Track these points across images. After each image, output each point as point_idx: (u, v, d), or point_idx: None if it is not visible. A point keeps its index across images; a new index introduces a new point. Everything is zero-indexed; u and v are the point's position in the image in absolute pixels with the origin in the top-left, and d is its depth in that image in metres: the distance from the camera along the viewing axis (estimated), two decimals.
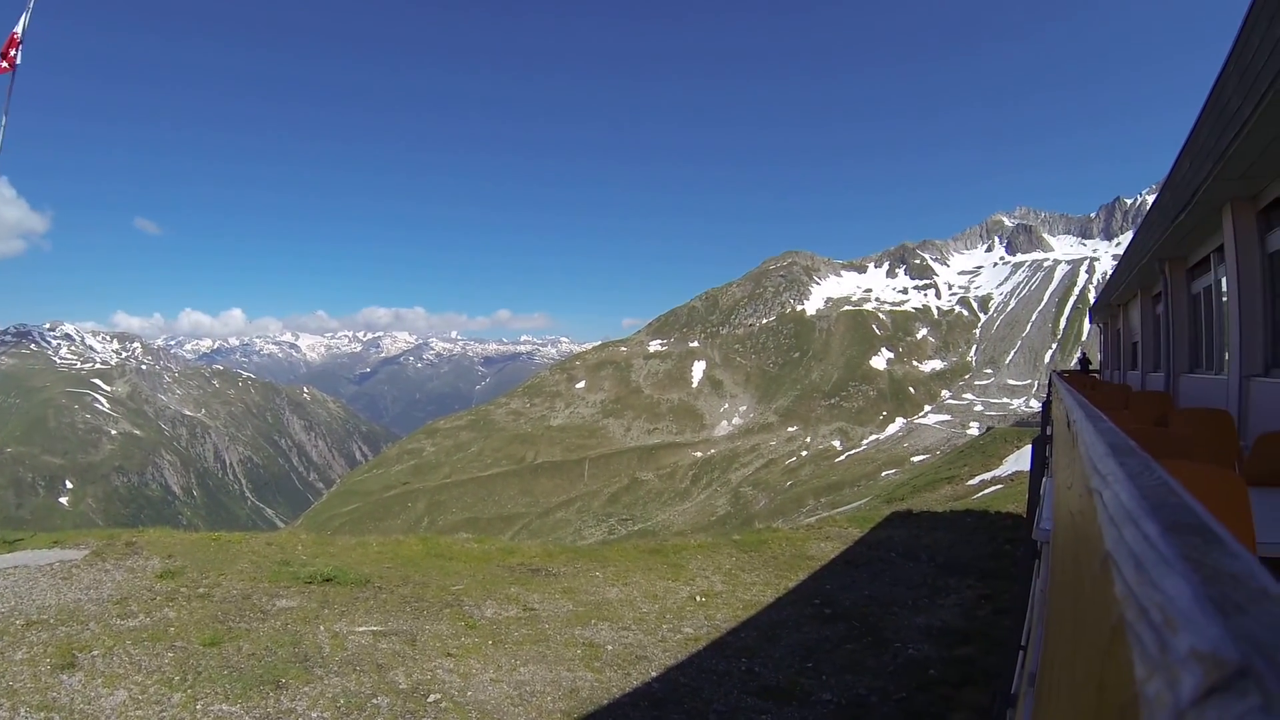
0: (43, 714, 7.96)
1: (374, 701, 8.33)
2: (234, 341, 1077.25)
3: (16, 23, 18.27)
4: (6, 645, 10.09)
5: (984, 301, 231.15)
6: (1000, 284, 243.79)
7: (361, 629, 10.75)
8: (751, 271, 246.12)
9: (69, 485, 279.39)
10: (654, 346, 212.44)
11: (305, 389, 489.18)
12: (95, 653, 9.72)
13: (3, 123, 18.29)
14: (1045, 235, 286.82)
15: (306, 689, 8.58)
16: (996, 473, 46.31)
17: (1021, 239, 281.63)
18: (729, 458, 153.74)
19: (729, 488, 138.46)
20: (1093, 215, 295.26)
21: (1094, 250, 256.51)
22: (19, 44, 18.09)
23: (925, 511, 23.02)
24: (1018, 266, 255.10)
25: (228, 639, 10.23)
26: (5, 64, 17.99)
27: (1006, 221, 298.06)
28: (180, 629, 10.72)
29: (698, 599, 12.57)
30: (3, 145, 18.34)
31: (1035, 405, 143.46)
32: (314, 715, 7.98)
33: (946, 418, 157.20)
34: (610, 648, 10.20)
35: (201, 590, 12.76)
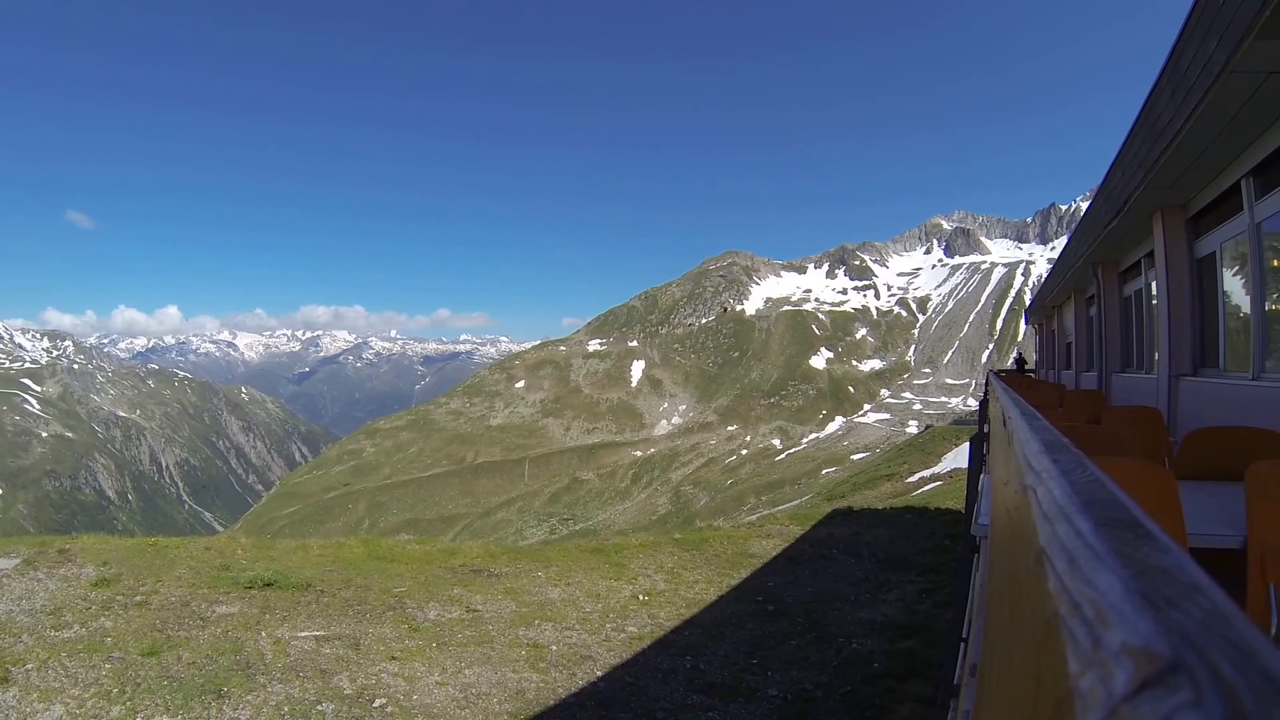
0: None
1: (319, 708, 8.26)
2: (170, 340, 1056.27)
3: None
4: None
5: (922, 302, 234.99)
6: (939, 285, 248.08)
7: (304, 634, 10.65)
8: (691, 271, 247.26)
9: None
10: (593, 346, 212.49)
11: (243, 389, 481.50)
12: (29, 666, 9.48)
13: None
14: (983, 239, 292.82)
15: (249, 697, 8.48)
16: (935, 470, 47.07)
17: (960, 242, 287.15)
18: (669, 457, 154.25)
19: (669, 487, 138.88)
20: (1029, 220, 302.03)
21: (1030, 254, 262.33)
22: None
23: (866, 509, 23.35)
24: (956, 269, 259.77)
25: (167, 648, 10.05)
26: None
27: (945, 225, 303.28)
28: (118, 639, 10.51)
29: (641, 598, 12.62)
30: None
31: (973, 404, 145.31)
32: None
33: (886, 416, 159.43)
34: (555, 648, 10.21)
35: (139, 598, 12.50)
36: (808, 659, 10.23)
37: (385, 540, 17.62)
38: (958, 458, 45.93)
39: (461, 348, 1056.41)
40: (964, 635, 5.56)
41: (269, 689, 8.72)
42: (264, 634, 10.68)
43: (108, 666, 9.45)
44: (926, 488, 38.59)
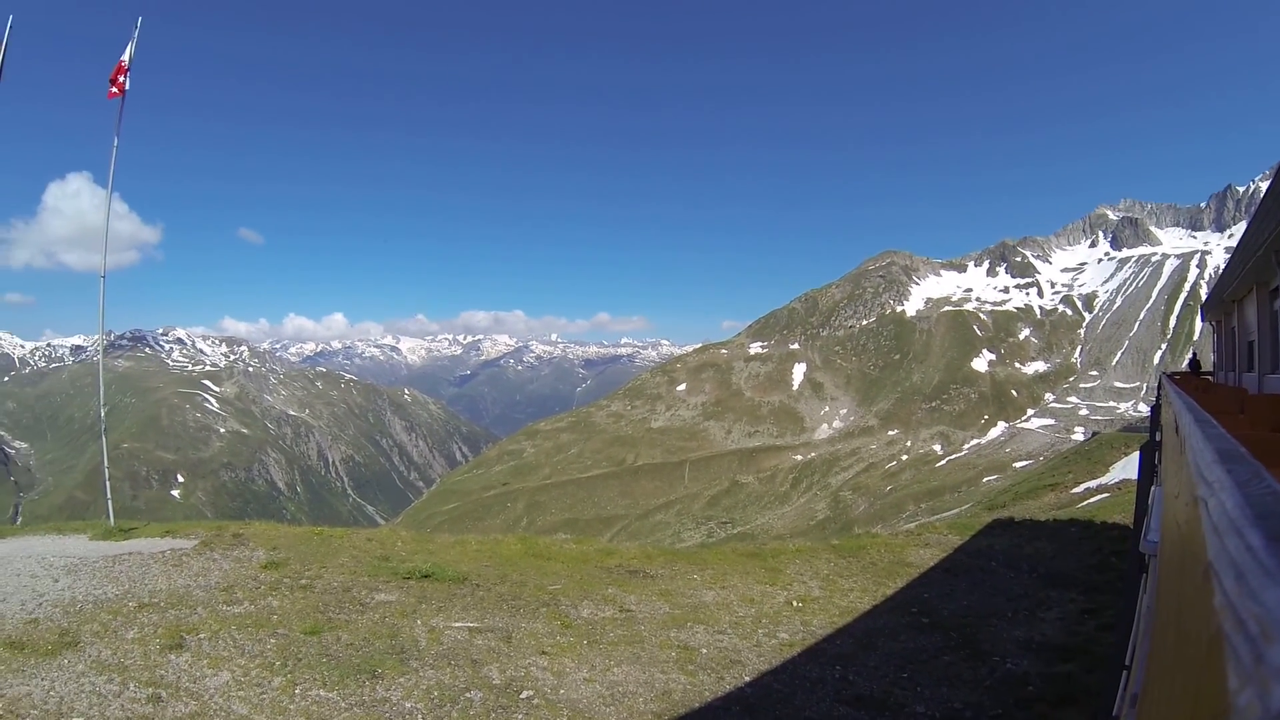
0: (150, 689, 8.42)
1: (467, 695, 8.55)
2: (336, 345, 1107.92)
3: (124, 51, 19.47)
4: (120, 625, 10.75)
5: (1089, 300, 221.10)
6: (1105, 281, 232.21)
7: (458, 624, 11.02)
8: (850, 272, 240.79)
9: (180, 479, 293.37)
10: (754, 349, 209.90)
11: (406, 391, 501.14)
12: (202, 636, 10.26)
13: (115, 144, 19.62)
14: (1153, 228, 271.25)
15: (402, 680, 8.86)
16: (1103, 480, 44.85)
17: (1127, 233, 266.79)
18: (829, 461, 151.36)
19: (829, 492, 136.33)
20: (1203, 205, 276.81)
21: (1205, 243, 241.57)
22: (126, 71, 19.30)
23: (1028, 520, 22.36)
24: (1124, 262, 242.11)
25: (327, 629, 10.63)
26: (115, 90, 19.24)
27: (1111, 215, 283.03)
28: (283, 617, 11.22)
29: (794, 604, 12.50)
30: (115, 165, 19.75)
31: (1144, 409, 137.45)
32: (407, 705, 8.24)
33: (1050, 422, 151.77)
34: (705, 651, 10.23)
35: (304, 581, 13.29)
36: (960, 677, 9.92)
37: (543, 539, 18.01)
38: (1127, 468, 43.70)
39: (622, 351, 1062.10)
40: (1127, 662, 5.31)
41: (421, 674, 9.08)
42: (419, 622, 11.12)
43: (272, 641, 10.08)
44: (1092, 499, 36.83)
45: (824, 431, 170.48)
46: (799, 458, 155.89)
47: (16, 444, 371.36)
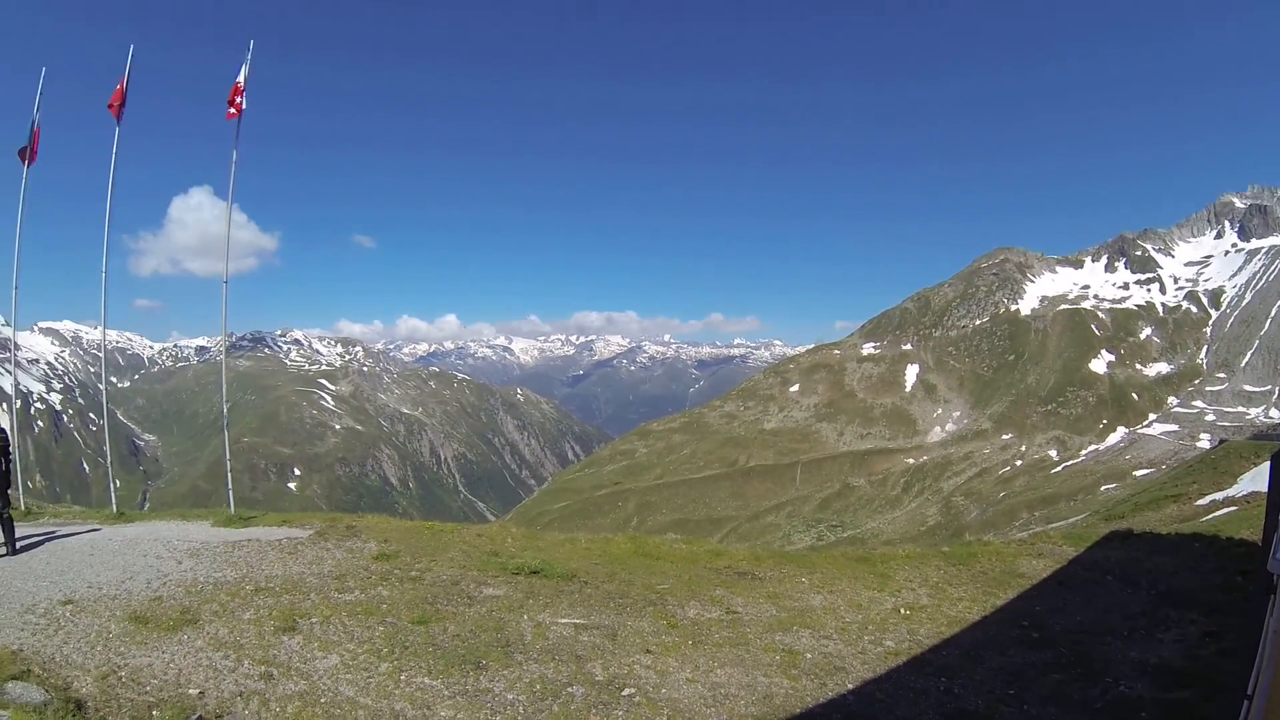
0: (263, 667, 8.86)
1: (569, 690, 8.68)
2: (449, 345, 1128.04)
3: (238, 74, 20.84)
4: (237, 606, 11.34)
5: (1215, 296, 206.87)
6: (1233, 275, 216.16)
7: (564, 620, 11.19)
8: (963, 270, 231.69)
9: (297, 472, 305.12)
10: (867, 349, 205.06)
11: (519, 390, 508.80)
12: (314, 620, 10.72)
13: (234, 159, 21.24)
14: None
15: (506, 672, 9.06)
16: (1229, 492, 42.64)
17: (1256, 222, 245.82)
18: (941, 465, 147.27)
19: (940, 496, 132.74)
20: None
21: None
22: (242, 91, 20.67)
23: (1147, 532, 21.23)
24: (1253, 254, 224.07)
25: (435, 619, 10.93)
26: (233, 110, 20.72)
27: (1238, 203, 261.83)
28: (392, 606, 11.58)
29: (902, 611, 12.25)
30: (235, 179, 21.42)
31: (1276, 415, 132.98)
32: (509, 697, 8.42)
33: (1173, 428, 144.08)
34: (809, 656, 10.13)
35: (414, 573, 13.69)
36: (1069, 697, 9.52)
37: (652, 538, 18.10)
38: (1256, 479, 41.34)
39: (735, 351, 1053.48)
40: (1249, 691, 5.08)
41: (525, 667, 9.26)
42: (526, 617, 11.32)
43: (381, 629, 10.43)
44: (1218, 513, 35.14)
45: (936, 434, 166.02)
46: (911, 461, 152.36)
47: (146, 436, 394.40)
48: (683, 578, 13.86)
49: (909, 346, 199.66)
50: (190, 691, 8.14)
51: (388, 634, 10.22)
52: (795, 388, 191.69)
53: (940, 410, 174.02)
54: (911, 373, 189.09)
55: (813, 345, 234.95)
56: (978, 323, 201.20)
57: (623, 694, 8.73)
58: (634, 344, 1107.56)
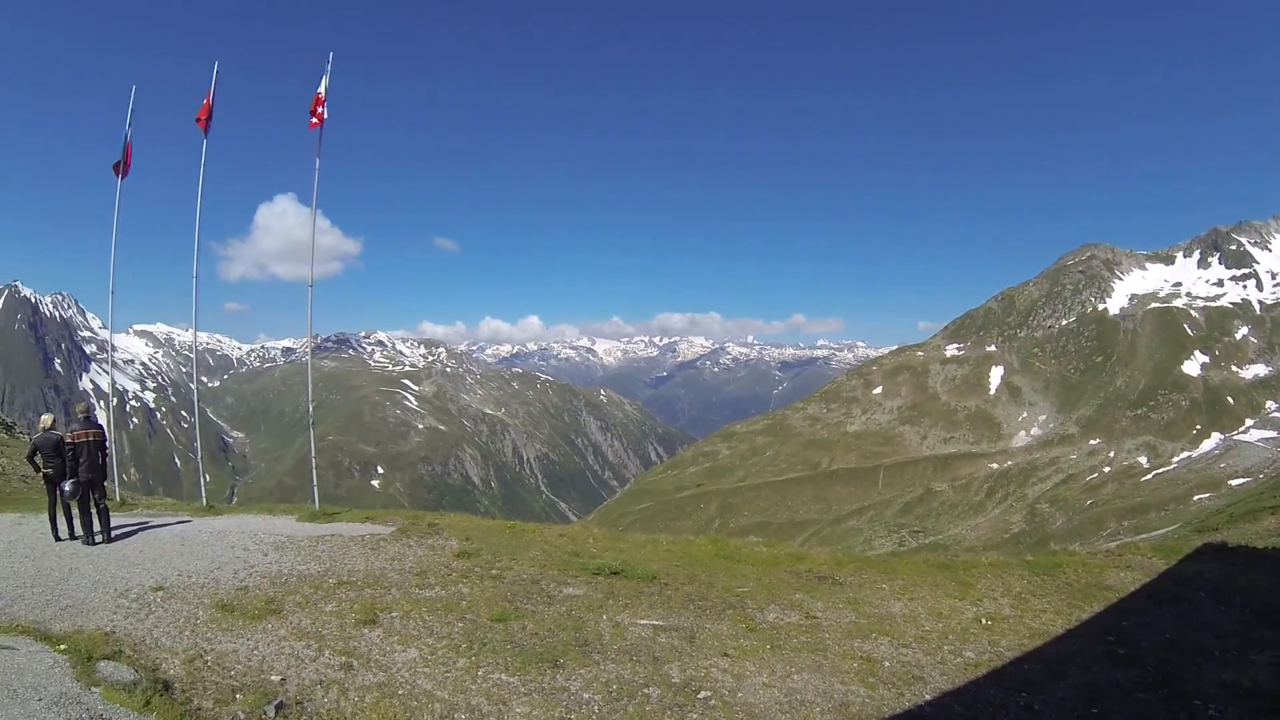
0: (343, 658, 9.15)
1: (645, 691, 8.70)
2: (532, 347, 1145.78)
3: (319, 85, 21.86)
4: (319, 598, 11.75)
5: None
6: None
7: (643, 622, 11.23)
8: (1048, 268, 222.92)
9: (380, 470, 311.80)
10: (950, 351, 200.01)
11: (602, 392, 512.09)
12: (394, 614, 11.01)
13: (317, 168, 22.25)
14: None
15: (582, 671, 9.13)
16: None
17: None
18: (1026, 471, 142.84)
19: (1025, 503, 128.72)
20: None
21: None
22: (324, 102, 21.64)
23: (1243, 546, 20.14)
24: None
25: (514, 617, 11.08)
26: (315, 120, 21.64)
27: None
28: (472, 603, 11.79)
29: (983, 621, 11.94)
30: (318, 186, 22.39)
31: None
32: (585, 696, 8.48)
33: (1272, 434, 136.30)
34: (887, 664, 9.97)
35: (494, 571, 13.91)
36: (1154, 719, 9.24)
37: (733, 541, 18.06)
38: None
39: (818, 353, 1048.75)
40: None
41: (602, 666, 9.32)
42: (605, 617, 11.40)
43: (460, 625, 10.63)
44: None
45: (1021, 439, 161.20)
46: (995, 466, 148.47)
47: (234, 434, 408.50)
48: (763, 581, 13.79)
49: (993, 348, 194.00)
50: (272, 678, 8.46)
51: (467, 630, 10.42)
52: (878, 390, 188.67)
53: (1025, 414, 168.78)
54: (996, 375, 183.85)
55: (895, 347, 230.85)
56: (1064, 323, 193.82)
57: (698, 697, 8.72)
58: (717, 345, 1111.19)
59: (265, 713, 7.46)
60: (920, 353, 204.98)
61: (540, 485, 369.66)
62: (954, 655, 10.32)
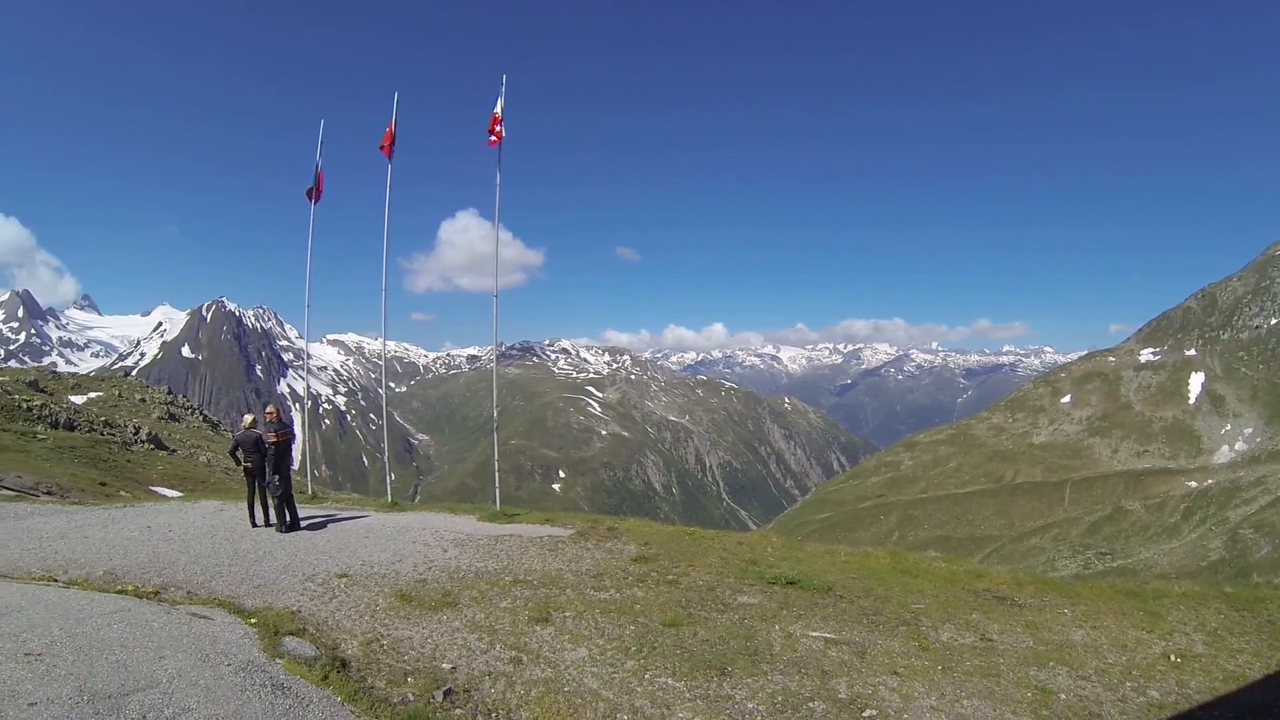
0: (513, 652, 9.55)
1: (810, 705, 8.67)
2: (716, 354, 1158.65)
3: (495, 105, 23.17)
4: (495, 594, 12.33)
5: None
6: None
7: (815, 634, 11.20)
8: (1254, 260, 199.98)
9: (561, 475, 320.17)
10: (1145, 356, 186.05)
11: (786, 399, 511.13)
12: (567, 614, 11.40)
13: (498, 183, 23.79)
14: None
15: (749, 680, 9.19)
16: None
17: None
18: (1229, 491, 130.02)
19: (1226, 528, 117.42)
20: None
21: None
22: (501, 121, 23.02)
23: None
24: None
25: (686, 623, 11.27)
26: (494, 138, 23.10)
27: None
28: (645, 608, 12.06)
29: (1172, 658, 11.14)
30: (500, 201, 23.96)
31: None
32: (749, 706, 8.54)
33: None
34: (1063, 697, 9.44)
35: (670, 577, 14.17)
36: None
37: (912, 554, 17.74)
38: None
39: (1004, 359, 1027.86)
40: None
41: (769, 677, 9.36)
42: (777, 627, 11.44)
43: (631, 628, 10.90)
44: None
45: (1224, 454, 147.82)
46: (1193, 484, 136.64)
47: (420, 436, 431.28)
48: (939, 598, 13.48)
49: (1193, 352, 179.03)
50: (443, 666, 8.95)
51: (638, 633, 10.67)
52: (1066, 399, 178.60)
53: (1229, 426, 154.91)
54: (1196, 382, 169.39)
55: (1085, 352, 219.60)
56: (1274, 322, 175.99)
57: (863, 715, 8.61)
58: (901, 352, 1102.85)
59: (434, 697, 7.91)
60: (1112, 358, 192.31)
61: (721, 492, 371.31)
62: (1137, 694, 9.70)
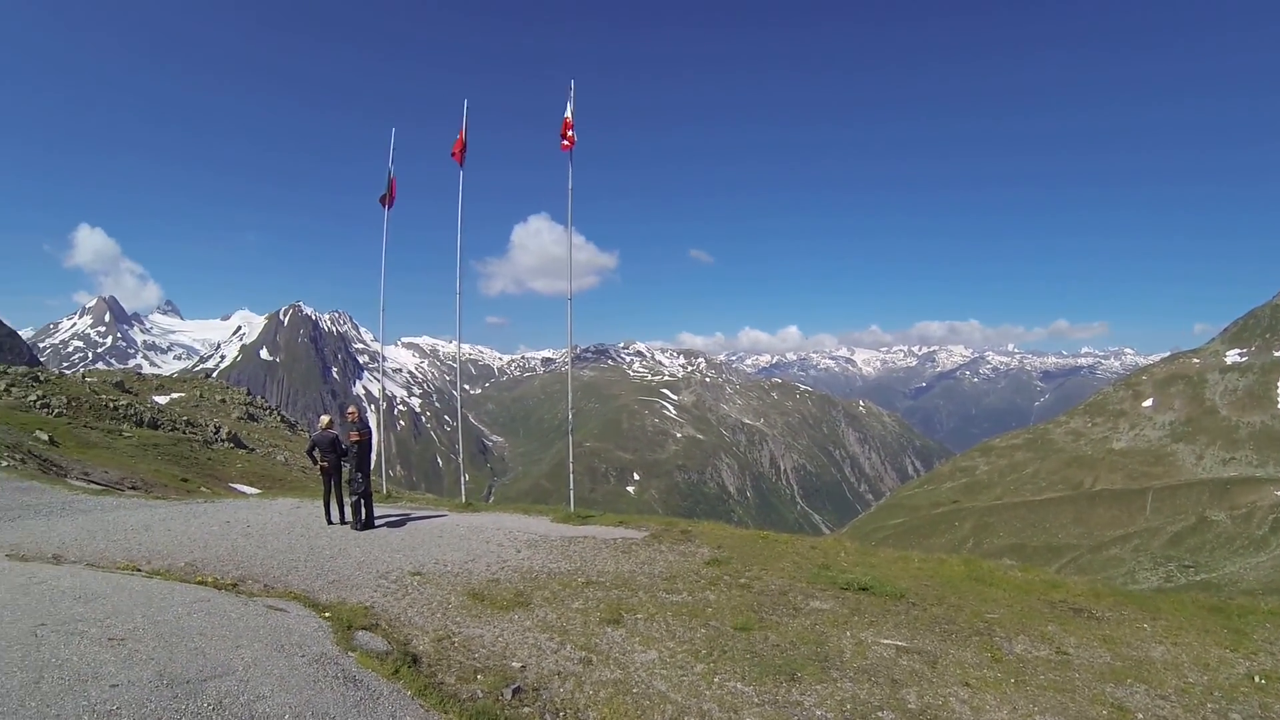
0: (583, 653, 9.64)
1: (879, 714, 8.56)
2: (791, 357, 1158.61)
3: (565, 109, 23.48)
4: (567, 595, 12.44)
5: None
6: None
7: (886, 641, 11.07)
8: None
9: (636, 477, 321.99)
10: (1231, 357, 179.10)
11: (861, 402, 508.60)
12: (638, 616, 11.45)
13: (570, 188, 24.26)
14: None
15: (818, 687, 9.13)
16: None
17: None
18: None
19: None
20: None
21: None
22: (572, 126, 23.32)
23: None
24: None
25: (757, 627, 11.24)
26: (565, 143, 23.40)
27: None
28: (716, 611, 12.05)
29: (1256, 679, 10.64)
30: (572, 205, 24.29)
31: None
32: (818, 713, 8.48)
33: None
34: (1141, 716, 9.03)
35: (743, 581, 14.14)
36: None
37: (986, 562, 17.48)
38: None
39: (1082, 361, 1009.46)
40: None
41: (839, 684, 9.28)
42: (848, 634, 11.33)
43: (702, 631, 10.90)
44: None
45: None
46: None
47: (494, 438, 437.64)
48: (1014, 608, 13.21)
49: None
50: (513, 664, 9.07)
51: (708, 637, 10.66)
52: (1148, 402, 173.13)
53: None
54: None
55: (1168, 353, 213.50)
56: None
57: None
58: (977, 354, 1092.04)
59: (502, 694, 8.02)
60: (1196, 360, 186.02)
61: (795, 496, 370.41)
62: (1218, 716, 9.30)
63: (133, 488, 30.88)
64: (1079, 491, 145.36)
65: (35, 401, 48.17)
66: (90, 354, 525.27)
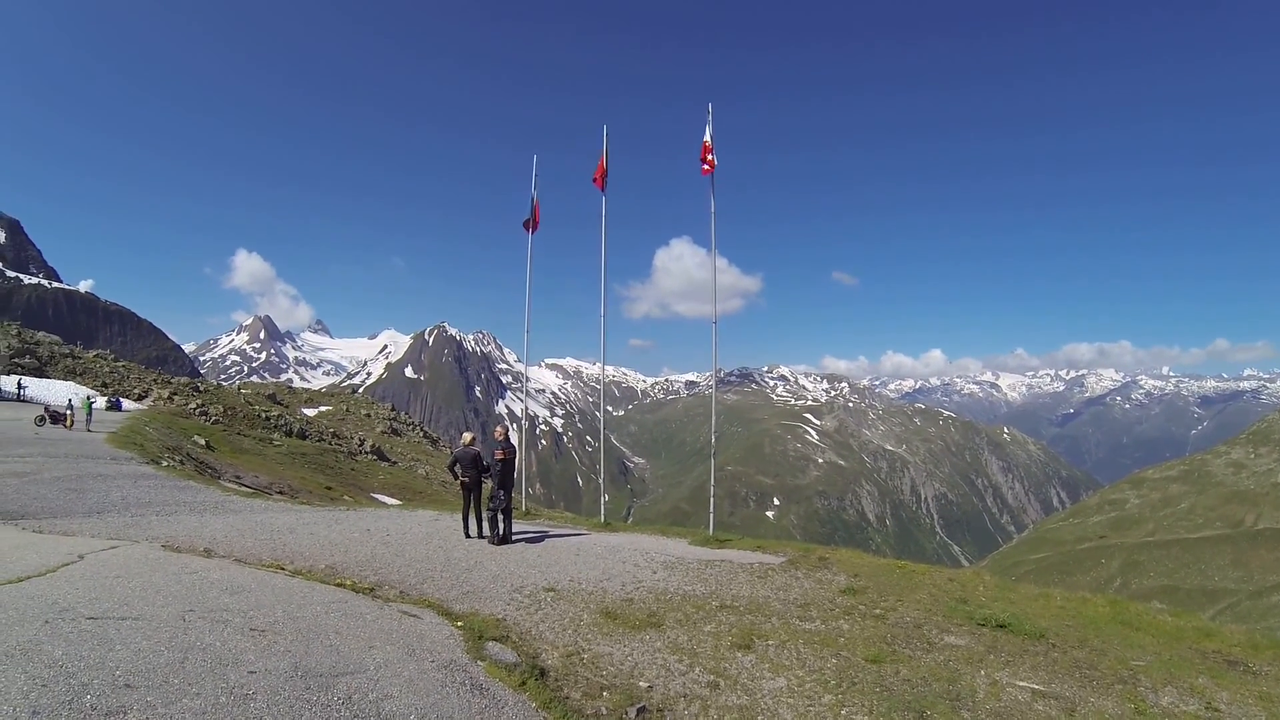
0: (712, 676, 9.54)
1: None
2: (934, 381, 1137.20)
3: (704, 133, 23.99)
4: (699, 618, 12.37)
5: None
6: None
7: (1022, 683, 10.63)
8: None
9: (776, 502, 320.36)
10: None
11: (1005, 429, 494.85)
12: (770, 642, 11.29)
13: (712, 211, 25.31)
14: None
15: None
16: None
17: None
18: None
19: None
20: None
21: None
22: (711, 150, 23.87)
23: None
24: None
25: (889, 660, 10.94)
26: (706, 167, 23.95)
27: None
28: (849, 641, 11.78)
29: None
30: (715, 229, 25.17)
31: None
32: None
33: None
34: None
35: (877, 611, 13.80)
36: None
37: (1134, 604, 16.60)
38: None
39: (1245, 385, 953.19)
40: None
41: None
42: (983, 673, 10.92)
43: (833, 661, 10.67)
44: None
45: None
46: None
47: (635, 459, 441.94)
48: (1162, 656, 12.42)
49: None
50: (640, 684, 9.04)
51: (838, 667, 10.42)
52: None
53: None
54: None
55: None
56: None
57: None
58: (1128, 378, 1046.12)
59: (627, 713, 8.03)
60: None
61: (935, 526, 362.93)
62: None
63: (280, 493, 32.42)
64: (1239, 530, 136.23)
65: (195, 409, 51.38)
66: (246, 368, 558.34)
